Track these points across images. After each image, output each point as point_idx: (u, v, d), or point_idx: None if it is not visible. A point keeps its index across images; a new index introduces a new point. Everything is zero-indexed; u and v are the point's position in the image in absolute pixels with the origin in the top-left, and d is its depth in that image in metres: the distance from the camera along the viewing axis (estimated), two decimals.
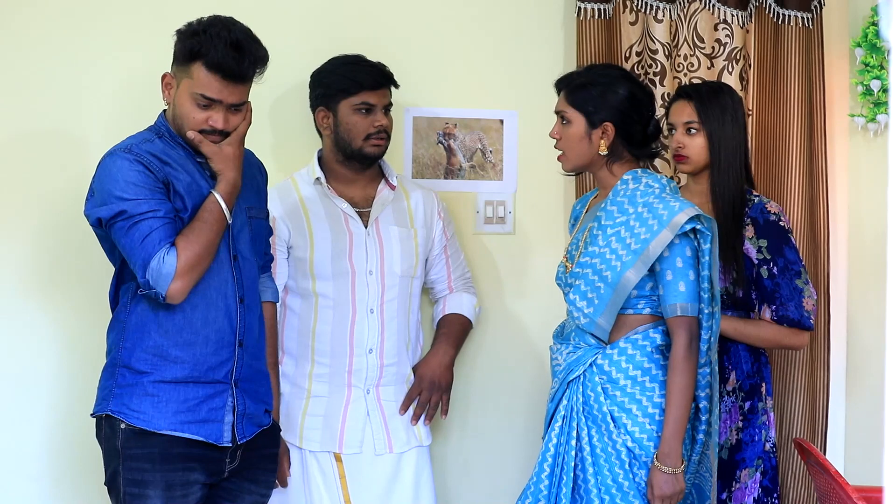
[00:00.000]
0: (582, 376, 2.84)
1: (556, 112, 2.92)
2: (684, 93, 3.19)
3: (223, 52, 2.63)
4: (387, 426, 3.25)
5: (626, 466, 2.77)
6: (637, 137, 2.89)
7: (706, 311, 2.81)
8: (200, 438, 2.70)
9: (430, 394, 3.32)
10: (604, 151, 2.87)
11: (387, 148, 3.28)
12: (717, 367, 2.93)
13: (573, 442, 2.81)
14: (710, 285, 2.81)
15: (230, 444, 2.75)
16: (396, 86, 3.30)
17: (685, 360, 2.76)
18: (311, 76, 3.29)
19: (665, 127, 3.19)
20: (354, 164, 3.27)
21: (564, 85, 2.93)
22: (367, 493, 3.22)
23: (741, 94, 3.51)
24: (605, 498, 2.76)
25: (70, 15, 3.41)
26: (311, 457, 3.22)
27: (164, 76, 2.74)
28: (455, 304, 3.44)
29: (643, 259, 2.76)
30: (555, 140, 2.93)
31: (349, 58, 3.27)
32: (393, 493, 3.26)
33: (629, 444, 2.78)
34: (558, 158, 2.94)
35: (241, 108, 2.73)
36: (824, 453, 3.59)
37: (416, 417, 3.29)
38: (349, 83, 3.21)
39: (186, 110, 2.69)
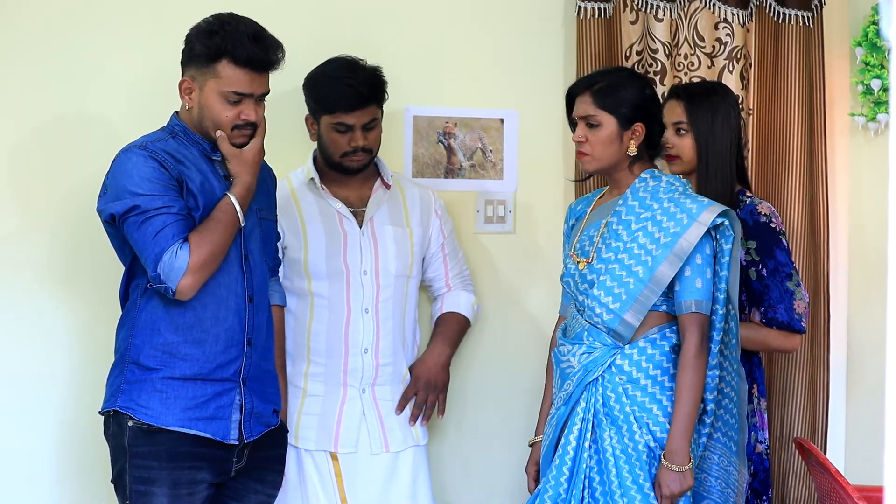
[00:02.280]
0: (601, 377, 2.82)
1: (581, 117, 2.89)
2: (675, 92, 3.19)
3: (249, 45, 2.69)
4: (383, 426, 3.25)
5: (647, 467, 2.77)
6: (655, 137, 2.94)
7: (720, 312, 2.83)
8: (208, 435, 2.71)
9: (427, 394, 3.31)
10: (633, 152, 2.89)
11: (371, 161, 3.24)
12: (742, 370, 2.91)
13: (587, 444, 2.81)
14: (726, 286, 2.82)
15: (237, 443, 2.76)
16: (384, 99, 3.22)
17: (696, 358, 2.77)
18: (304, 79, 3.25)
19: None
20: (340, 172, 3.26)
21: (585, 89, 2.90)
22: (363, 492, 3.22)
23: (741, 93, 3.52)
24: (625, 500, 2.75)
25: (87, 13, 3.42)
26: (308, 455, 3.21)
27: (181, 82, 2.75)
28: (452, 302, 3.43)
29: (676, 253, 2.77)
30: (568, 141, 2.94)
31: (336, 69, 3.17)
32: (390, 492, 3.25)
33: (651, 443, 2.78)
34: (581, 159, 2.91)
35: (264, 98, 2.78)
36: (825, 453, 3.59)
37: (413, 418, 3.29)
38: (326, 103, 3.17)
39: (217, 110, 2.71)
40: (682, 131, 3.12)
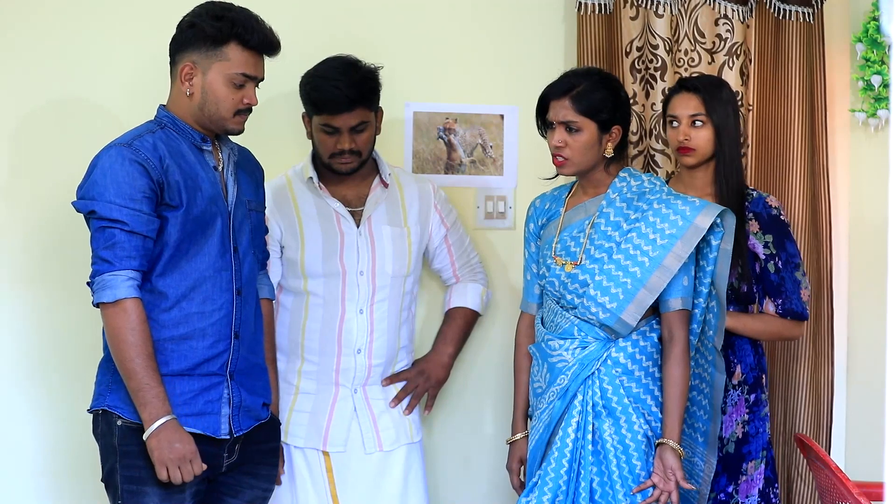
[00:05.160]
0: (597, 370, 2.86)
1: (561, 122, 2.89)
2: (688, 85, 3.18)
3: (258, 28, 2.72)
4: (376, 425, 3.24)
5: (644, 457, 2.83)
6: (626, 138, 2.98)
7: (702, 305, 2.90)
8: (198, 431, 2.70)
9: (416, 382, 3.31)
10: (610, 154, 2.92)
11: (361, 164, 3.20)
12: (721, 362, 2.94)
13: (588, 436, 2.83)
14: (711, 279, 2.86)
15: (227, 437, 2.75)
16: (375, 102, 3.18)
17: (686, 353, 2.86)
18: (301, 77, 3.21)
19: (666, 120, 3.21)
20: (332, 173, 3.22)
21: (563, 94, 2.90)
22: (354, 489, 3.21)
23: (741, 89, 3.53)
24: (624, 490, 2.80)
25: (78, 5, 3.43)
26: (299, 452, 3.21)
27: (182, 67, 2.73)
28: (458, 296, 3.44)
29: (677, 253, 2.82)
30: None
31: (328, 70, 3.13)
32: (381, 489, 3.24)
33: (648, 433, 2.84)
34: (559, 164, 2.92)
35: (258, 85, 2.80)
36: (828, 449, 3.59)
37: (397, 399, 3.28)
38: (313, 104, 3.14)
39: (223, 94, 2.72)
40: (700, 123, 3.12)
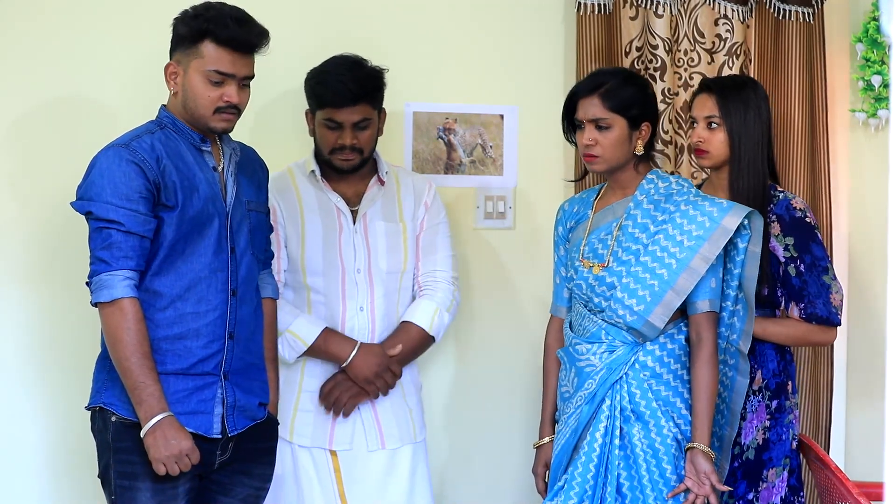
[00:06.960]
0: (625, 374, 2.84)
1: (591, 119, 2.87)
2: (706, 86, 3.14)
3: (231, 25, 2.70)
4: (379, 423, 3.23)
5: (674, 461, 2.80)
6: (655, 135, 2.96)
7: (729, 308, 2.88)
8: (190, 430, 2.70)
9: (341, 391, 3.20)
10: (641, 151, 2.91)
11: (363, 162, 3.19)
12: (745, 365, 2.90)
13: (615, 441, 2.82)
14: (738, 282, 2.85)
15: (220, 437, 2.75)
16: (379, 100, 3.19)
17: (714, 356, 2.83)
18: (307, 73, 3.22)
19: (687, 120, 3.20)
20: (332, 170, 3.22)
21: (592, 91, 2.88)
22: (361, 488, 3.21)
23: None
24: (655, 493, 2.78)
25: (79, 10, 3.43)
26: (305, 451, 3.19)
27: (167, 66, 2.76)
28: (409, 311, 3.27)
29: (703, 255, 2.80)
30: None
31: (334, 66, 3.14)
32: (388, 487, 3.24)
33: (678, 437, 2.82)
34: (590, 161, 2.90)
35: (248, 83, 2.78)
36: (828, 449, 3.58)
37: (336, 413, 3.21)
38: (317, 98, 3.14)
39: (200, 91, 2.72)
40: (714, 125, 3.08)
